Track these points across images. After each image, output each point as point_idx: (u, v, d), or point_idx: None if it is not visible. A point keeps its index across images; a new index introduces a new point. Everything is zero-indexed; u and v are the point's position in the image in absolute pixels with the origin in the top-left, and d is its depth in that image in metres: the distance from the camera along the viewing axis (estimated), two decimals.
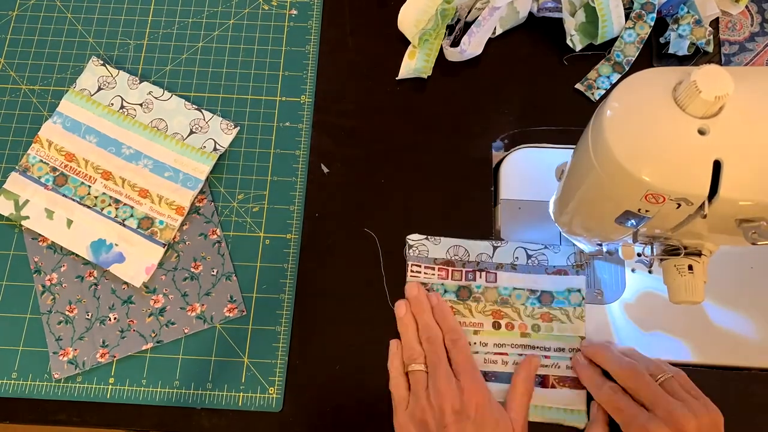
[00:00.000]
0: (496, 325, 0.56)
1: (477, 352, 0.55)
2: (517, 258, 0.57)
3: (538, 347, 0.55)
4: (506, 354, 0.55)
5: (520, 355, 0.55)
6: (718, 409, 0.48)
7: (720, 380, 0.55)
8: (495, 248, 0.58)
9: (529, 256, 0.57)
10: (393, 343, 0.56)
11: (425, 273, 0.57)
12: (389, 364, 0.55)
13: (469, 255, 0.58)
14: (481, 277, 0.57)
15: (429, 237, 0.58)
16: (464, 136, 0.63)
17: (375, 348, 0.56)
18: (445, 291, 0.57)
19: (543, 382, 0.54)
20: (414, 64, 0.64)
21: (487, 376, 0.54)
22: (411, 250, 0.58)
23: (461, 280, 0.57)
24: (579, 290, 0.56)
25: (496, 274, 0.57)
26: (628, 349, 0.54)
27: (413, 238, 0.58)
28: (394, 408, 0.53)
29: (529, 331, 0.55)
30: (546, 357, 0.55)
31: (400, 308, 0.56)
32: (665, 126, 0.37)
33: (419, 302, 0.56)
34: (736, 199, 0.35)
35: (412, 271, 0.58)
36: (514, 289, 0.56)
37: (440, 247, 0.58)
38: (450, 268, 0.58)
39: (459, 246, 0.58)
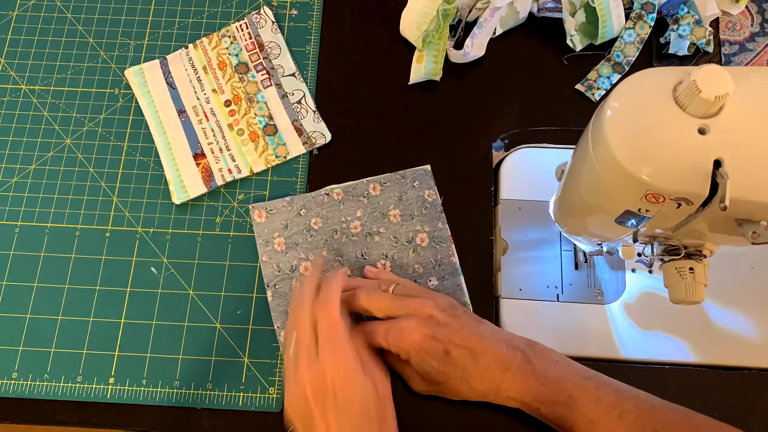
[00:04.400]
0: None
1: None
2: None
3: None
4: None
5: None
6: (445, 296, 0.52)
7: (720, 380, 0.55)
8: None
9: None
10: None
11: None
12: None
13: None
14: None
15: None
16: (464, 136, 0.63)
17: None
18: None
19: None
20: (423, 68, 0.63)
21: None
22: None
23: None
24: None
25: None
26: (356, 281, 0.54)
27: None
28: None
29: None
30: None
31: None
32: (665, 126, 0.37)
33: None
34: (737, 199, 0.35)
35: None
36: None
37: None
38: None
39: None
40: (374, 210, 0.59)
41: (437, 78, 0.63)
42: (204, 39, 0.66)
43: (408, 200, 0.59)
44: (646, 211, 0.39)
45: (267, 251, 0.58)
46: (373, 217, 0.59)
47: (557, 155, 0.61)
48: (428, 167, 0.60)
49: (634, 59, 0.64)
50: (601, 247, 0.54)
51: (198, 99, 0.64)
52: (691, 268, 0.45)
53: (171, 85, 0.65)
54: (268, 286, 0.57)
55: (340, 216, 0.59)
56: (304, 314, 0.48)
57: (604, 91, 0.63)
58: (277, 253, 0.58)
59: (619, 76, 0.64)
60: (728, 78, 0.35)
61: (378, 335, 0.50)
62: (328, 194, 0.60)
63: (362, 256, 0.58)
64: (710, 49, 0.64)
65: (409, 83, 0.64)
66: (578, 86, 0.64)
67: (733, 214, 0.37)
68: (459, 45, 0.64)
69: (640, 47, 0.63)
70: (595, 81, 0.64)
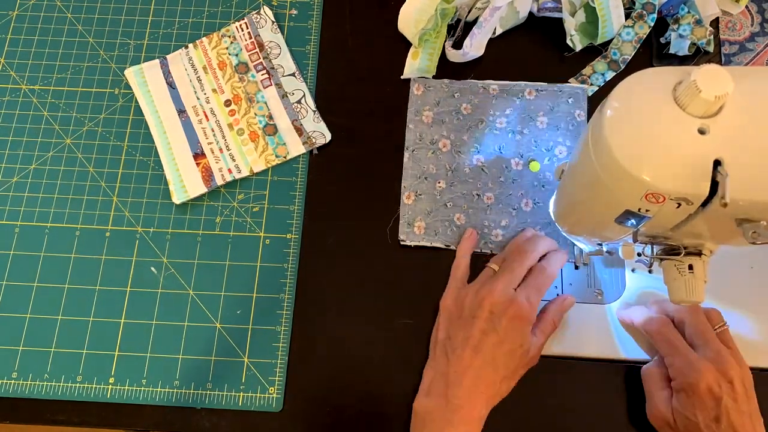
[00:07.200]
0: None
1: None
2: None
3: None
4: None
5: None
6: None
7: None
8: None
9: None
10: (468, 230, 0.58)
11: None
12: (458, 246, 0.58)
13: None
14: None
15: None
16: None
17: (375, 348, 0.56)
18: None
19: None
20: (417, 64, 0.64)
21: None
22: None
23: None
24: None
25: None
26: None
27: None
28: (448, 284, 0.56)
29: None
30: None
31: (529, 230, 0.58)
32: (665, 126, 0.37)
33: (550, 244, 0.57)
34: (736, 199, 0.35)
35: None
36: None
37: None
38: None
39: None
40: (523, 112, 0.61)
41: (430, 75, 0.63)
42: (204, 39, 0.66)
43: (558, 112, 0.62)
44: (646, 211, 0.39)
45: (415, 120, 0.62)
46: (521, 117, 0.61)
47: None
48: (586, 88, 0.62)
49: (630, 58, 0.64)
50: (601, 247, 0.54)
51: (198, 99, 0.64)
52: (690, 266, 0.45)
53: (171, 85, 0.65)
54: (406, 149, 0.61)
55: (490, 109, 0.62)
56: (532, 261, 0.54)
57: (597, 87, 0.63)
58: (422, 124, 0.62)
59: (614, 73, 0.64)
60: (728, 78, 0.35)
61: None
62: (484, 87, 0.62)
63: (499, 149, 0.60)
64: (710, 48, 0.64)
65: (401, 77, 0.64)
66: (571, 80, 0.64)
67: (733, 214, 0.37)
68: (458, 45, 0.63)
69: (637, 46, 0.63)
70: (589, 76, 0.64)
